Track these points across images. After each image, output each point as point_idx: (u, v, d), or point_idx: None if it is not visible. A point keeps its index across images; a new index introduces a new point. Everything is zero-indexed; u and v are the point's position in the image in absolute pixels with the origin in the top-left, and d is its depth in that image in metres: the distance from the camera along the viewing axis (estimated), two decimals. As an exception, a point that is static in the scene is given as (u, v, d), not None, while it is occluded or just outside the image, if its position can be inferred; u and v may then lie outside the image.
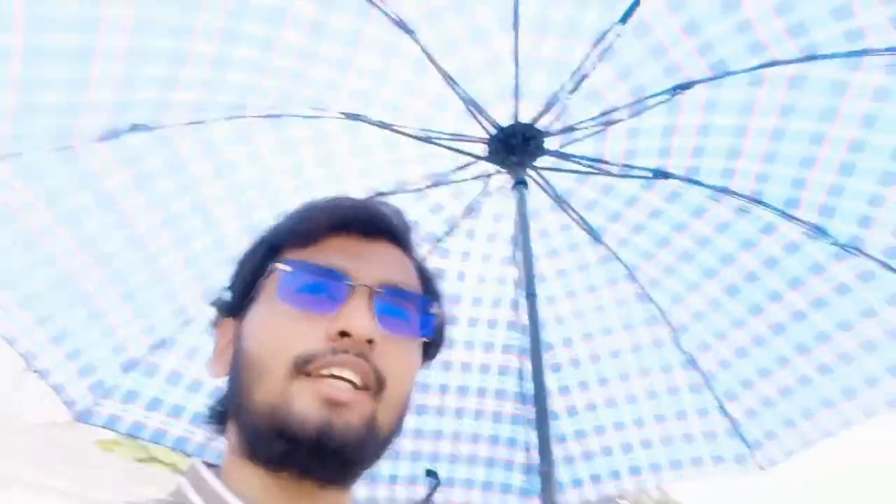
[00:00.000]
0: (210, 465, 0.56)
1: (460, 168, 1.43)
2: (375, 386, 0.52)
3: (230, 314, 0.59)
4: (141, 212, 1.20)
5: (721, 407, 1.79)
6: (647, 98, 1.30)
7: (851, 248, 1.42)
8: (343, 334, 0.52)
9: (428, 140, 1.34)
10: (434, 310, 0.60)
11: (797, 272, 1.52)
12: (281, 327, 0.53)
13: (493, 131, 1.33)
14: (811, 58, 1.17)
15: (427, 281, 0.64)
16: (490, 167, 1.42)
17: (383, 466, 1.97)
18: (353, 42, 1.14)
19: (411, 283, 0.60)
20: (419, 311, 0.59)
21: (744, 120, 1.33)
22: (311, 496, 0.52)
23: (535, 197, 1.56)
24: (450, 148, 1.35)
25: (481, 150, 1.37)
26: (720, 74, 1.24)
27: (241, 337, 0.56)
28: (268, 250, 0.59)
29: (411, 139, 1.35)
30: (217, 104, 1.18)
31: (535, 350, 1.24)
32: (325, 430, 0.49)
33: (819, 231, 1.44)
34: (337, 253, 0.57)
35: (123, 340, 1.36)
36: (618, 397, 1.90)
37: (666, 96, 1.29)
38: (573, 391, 1.95)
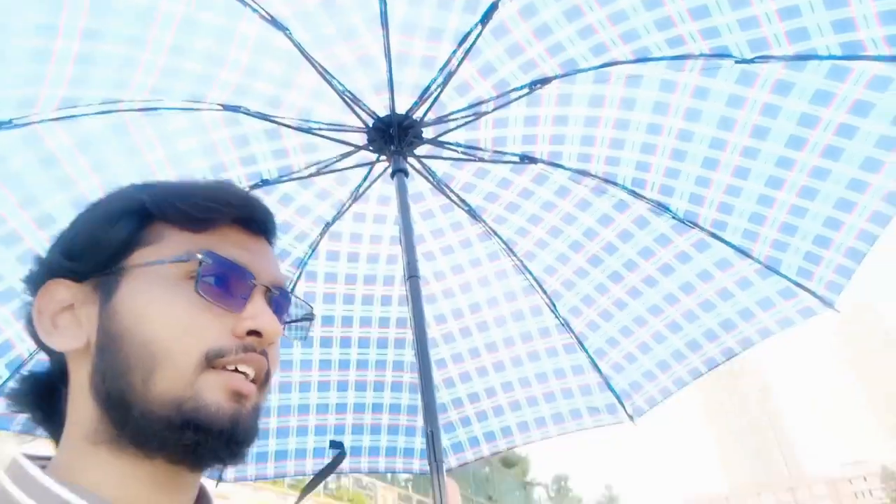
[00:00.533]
0: (36, 458, 0.52)
1: (344, 156, 1.51)
2: (263, 379, 0.55)
3: (72, 276, 0.53)
4: (12, 212, 1.21)
5: (593, 363, 2.01)
6: (509, 91, 1.44)
7: (688, 222, 1.65)
8: (252, 333, 0.53)
9: (308, 130, 1.41)
10: (300, 311, 0.63)
11: (647, 243, 1.74)
12: (191, 319, 0.52)
13: (371, 121, 1.42)
14: (643, 59, 1.34)
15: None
16: (372, 155, 1.52)
17: (290, 442, 2.07)
18: (226, 38, 1.19)
19: (285, 281, 0.62)
20: (288, 308, 0.61)
21: (594, 111, 1.50)
22: (178, 480, 0.53)
23: (418, 180, 1.67)
24: (329, 138, 1.43)
25: (361, 139, 1.47)
26: (571, 72, 1.40)
27: (117, 315, 0.52)
28: (141, 220, 0.55)
29: (292, 129, 1.42)
30: (87, 99, 1.19)
31: (419, 326, 1.37)
32: (235, 420, 0.51)
33: (662, 207, 1.66)
34: (237, 248, 0.57)
35: None
36: (504, 361, 2.09)
37: (526, 90, 1.43)
38: (465, 359, 2.11)
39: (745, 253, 1.61)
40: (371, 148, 1.47)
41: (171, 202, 0.55)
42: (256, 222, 0.58)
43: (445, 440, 2.14)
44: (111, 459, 0.50)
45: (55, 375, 0.55)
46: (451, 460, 2.02)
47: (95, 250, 0.53)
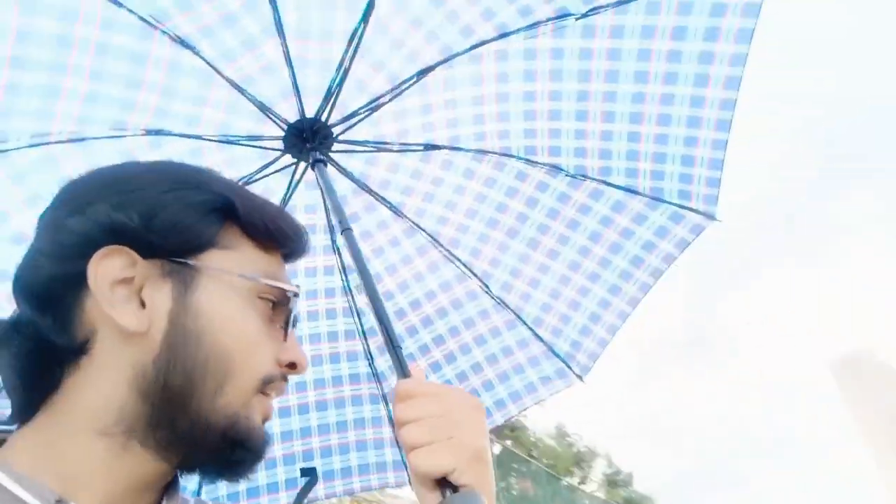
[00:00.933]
0: None
1: (266, 166, 1.66)
2: None
3: (141, 249, 0.49)
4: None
5: (535, 334, 2.15)
6: (400, 84, 1.65)
7: (580, 176, 1.88)
8: (290, 364, 0.57)
9: (228, 142, 1.56)
10: None
11: (551, 204, 1.95)
12: (261, 340, 0.53)
13: (285, 128, 1.59)
14: (504, 34, 1.60)
15: None
16: (291, 161, 1.67)
17: (260, 476, 2.04)
18: (140, 61, 1.34)
19: None
20: None
21: (477, 90, 1.74)
22: (162, 482, 0.53)
23: (339, 184, 1.83)
24: (251, 145, 1.58)
25: (279, 147, 1.62)
26: (448, 56, 1.64)
27: (200, 313, 0.49)
28: (223, 219, 0.53)
29: (213, 144, 1.56)
30: (15, 132, 1.30)
31: (371, 288, 1.44)
32: (265, 442, 0.55)
33: (555, 168, 1.89)
34: (286, 276, 0.58)
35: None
36: (454, 351, 2.19)
37: (414, 80, 1.65)
38: (417, 357, 2.20)
39: (632, 191, 1.85)
40: (290, 154, 1.63)
41: (259, 215, 0.55)
42: (295, 255, 0.61)
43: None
44: (116, 453, 0.48)
45: (59, 346, 0.49)
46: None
47: (181, 233, 0.50)
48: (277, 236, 0.56)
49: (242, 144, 1.57)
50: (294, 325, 0.60)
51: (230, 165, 1.64)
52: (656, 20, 1.48)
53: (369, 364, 2.13)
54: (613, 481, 19.93)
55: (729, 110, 1.56)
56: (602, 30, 1.55)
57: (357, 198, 1.88)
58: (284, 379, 0.56)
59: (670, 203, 1.81)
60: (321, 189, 1.48)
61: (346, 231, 1.33)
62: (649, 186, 1.81)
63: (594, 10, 1.50)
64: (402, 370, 0.89)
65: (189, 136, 1.51)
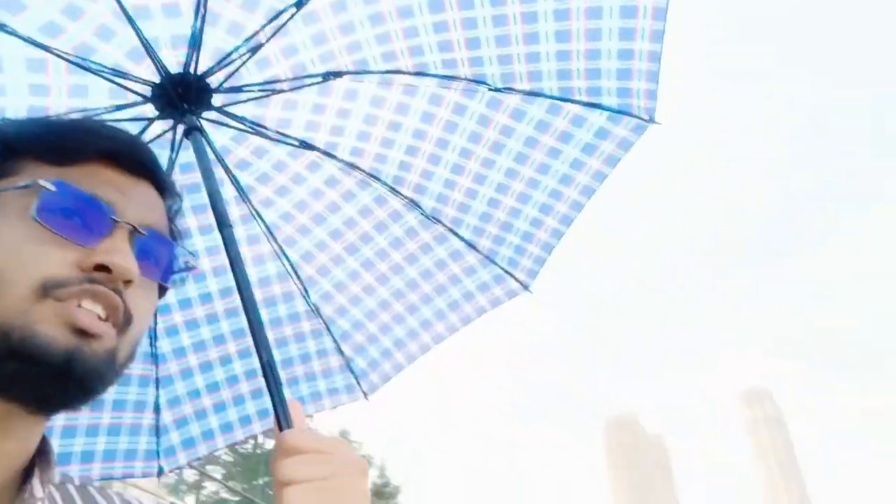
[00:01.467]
0: None
1: (119, 108, 1.40)
2: (122, 323, 0.53)
3: None
4: None
5: (338, 348, 2.17)
6: (304, 77, 1.55)
7: (433, 218, 1.97)
8: (100, 268, 0.52)
9: (86, 69, 1.29)
10: (181, 259, 0.62)
11: (398, 235, 2.01)
12: (31, 246, 0.50)
13: (162, 76, 1.36)
14: (422, 74, 1.62)
15: (174, 229, 0.65)
16: (150, 111, 1.44)
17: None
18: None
19: (165, 228, 0.61)
20: (168, 257, 0.60)
21: (374, 111, 1.71)
22: (9, 423, 0.50)
23: (189, 150, 1.62)
24: (112, 81, 1.32)
25: (145, 91, 1.39)
26: (362, 71, 1.59)
27: None
28: (4, 153, 0.54)
29: (64, 66, 1.27)
30: None
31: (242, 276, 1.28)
32: (72, 356, 0.48)
33: (413, 204, 1.95)
34: (103, 184, 0.55)
35: None
36: (252, 348, 2.08)
37: (320, 79, 1.56)
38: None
39: (472, 246, 2.00)
40: (155, 103, 1.40)
41: (35, 135, 0.54)
42: (131, 162, 0.57)
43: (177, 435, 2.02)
44: None
45: None
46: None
47: None
48: (67, 146, 0.54)
49: (102, 77, 1.31)
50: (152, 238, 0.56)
51: (73, 95, 1.36)
52: (553, 120, 1.66)
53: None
54: (380, 493, 20.24)
55: (576, 211, 1.80)
56: (507, 107, 1.67)
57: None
58: (95, 282, 0.51)
59: (500, 266, 1.99)
60: (198, 162, 1.31)
61: (227, 230, 1.20)
62: (488, 247, 1.97)
63: (508, 90, 1.62)
64: (284, 416, 0.85)
65: (35, 44, 1.22)
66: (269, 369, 0.91)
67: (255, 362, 2.05)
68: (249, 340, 2.07)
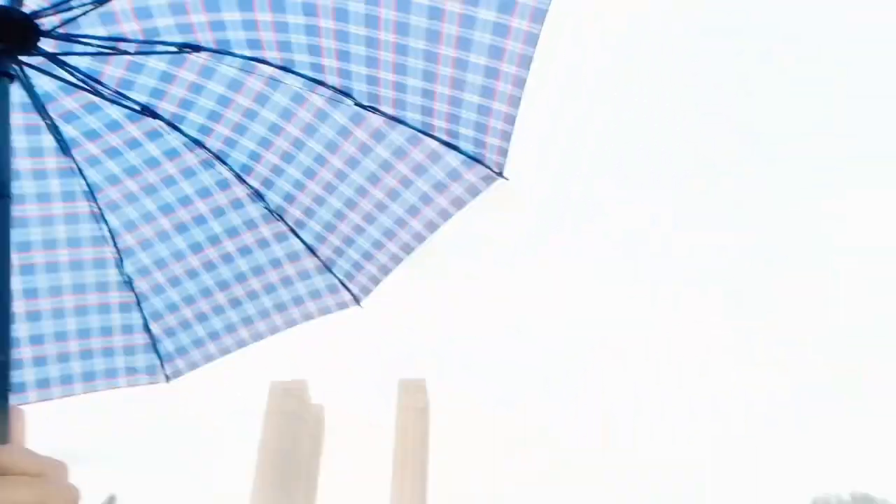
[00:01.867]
0: None
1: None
2: None
3: None
4: None
5: (146, 325, 2.03)
6: (157, 42, 1.44)
7: (276, 215, 1.92)
8: None
9: None
10: None
11: (235, 223, 1.92)
12: None
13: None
14: (287, 69, 1.57)
15: None
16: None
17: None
18: None
19: None
20: None
21: (230, 93, 1.63)
22: None
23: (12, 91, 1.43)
24: None
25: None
26: (223, 51, 1.51)
27: None
28: None
29: None
30: None
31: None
32: None
33: (258, 196, 1.89)
34: None
35: None
36: (44, 310, 1.89)
37: (175, 49, 1.46)
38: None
39: (312, 251, 1.97)
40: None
41: None
42: None
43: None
44: None
45: None
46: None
47: None
48: None
49: None
50: None
51: None
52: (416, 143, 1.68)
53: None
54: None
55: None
56: (368, 126, 1.68)
57: (24, 113, 1.51)
58: None
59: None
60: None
61: (3, 199, 1.07)
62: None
63: (372, 109, 1.62)
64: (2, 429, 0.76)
65: None
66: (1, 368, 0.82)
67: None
68: None
